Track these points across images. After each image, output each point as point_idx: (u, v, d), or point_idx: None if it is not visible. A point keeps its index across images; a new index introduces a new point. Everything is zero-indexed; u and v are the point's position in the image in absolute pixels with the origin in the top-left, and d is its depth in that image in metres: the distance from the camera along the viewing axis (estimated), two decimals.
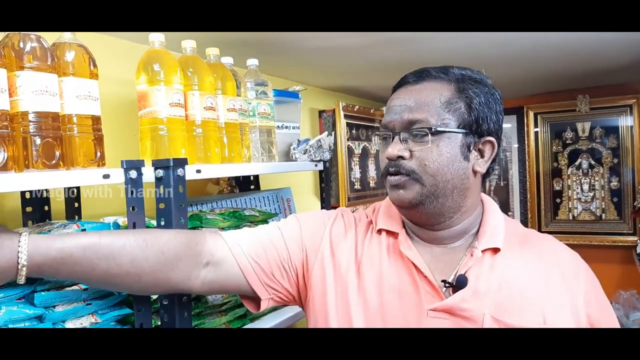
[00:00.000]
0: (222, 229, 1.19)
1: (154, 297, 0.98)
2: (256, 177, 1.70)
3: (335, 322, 0.90)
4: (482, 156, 0.90)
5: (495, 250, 0.89)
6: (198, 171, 1.01)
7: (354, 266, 0.92)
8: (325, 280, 0.92)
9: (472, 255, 0.88)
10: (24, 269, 0.74)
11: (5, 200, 1.05)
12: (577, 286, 0.87)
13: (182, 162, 0.95)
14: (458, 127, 0.86)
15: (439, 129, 0.85)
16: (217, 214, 1.21)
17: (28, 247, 0.74)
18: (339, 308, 0.90)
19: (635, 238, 2.61)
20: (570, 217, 2.82)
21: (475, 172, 0.90)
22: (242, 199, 1.55)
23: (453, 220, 0.90)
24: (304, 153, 1.42)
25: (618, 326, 0.91)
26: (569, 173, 2.81)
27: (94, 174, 0.85)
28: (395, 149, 0.86)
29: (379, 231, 0.95)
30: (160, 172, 0.93)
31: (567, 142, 2.81)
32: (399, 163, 0.87)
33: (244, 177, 1.67)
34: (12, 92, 0.79)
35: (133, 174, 0.89)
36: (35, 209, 1.08)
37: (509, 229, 0.93)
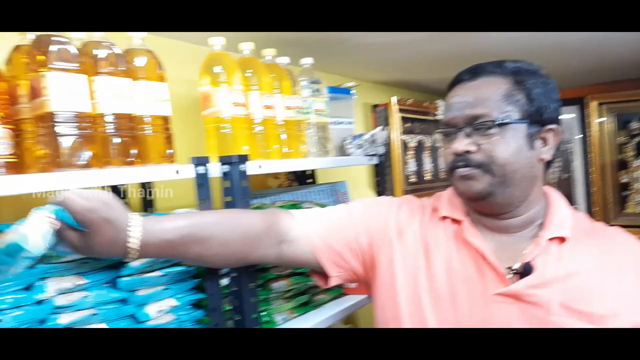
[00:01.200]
0: None
1: (224, 283, 1.06)
2: (313, 171, 1.76)
3: (404, 306, 0.94)
4: (546, 144, 0.93)
5: (562, 239, 0.90)
6: (259, 166, 1.07)
7: (422, 250, 0.96)
8: (394, 264, 0.97)
9: (538, 244, 0.90)
10: (135, 252, 0.82)
11: None
12: None
13: (245, 158, 1.01)
14: (520, 118, 0.89)
15: (502, 121, 0.88)
16: (278, 207, 1.27)
17: (139, 233, 0.81)
18: (409, 292, 0.94)
19: None
20: (639, 211, 2.69)
21: (540, 160, 0.92)
22: (300, 192, 1.61)
23: (519, 210, 0.93)
24: (359, 148, 1.46)
25: None
26: (636, 165, 2.69)
27: (166, 170, 0.93)
28: (462, 143, 0.89)
29: (443, 218, 0.99)
30: (226, 168, 1.00)
31: (635, 132, 2.68)
32: (466, 157, 0.90)
33: (301, 171, 1.74)
34: (93, 96, 0.87)
35: (201, 169, 0.96)
36: None
37: (576, 221, 0.94)
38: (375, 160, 1.53)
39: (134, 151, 0.91)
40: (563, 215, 0.93)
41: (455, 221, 0.97)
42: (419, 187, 2.44)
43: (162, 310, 0.95)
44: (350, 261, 1.00)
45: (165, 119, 0.98)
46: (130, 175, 0.90)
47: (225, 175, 1.00)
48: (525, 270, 0.87)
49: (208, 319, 1.00)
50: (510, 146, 0.88)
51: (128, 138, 0.91)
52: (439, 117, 1.05)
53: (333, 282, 1.01)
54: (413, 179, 2.41)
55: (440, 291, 0.91)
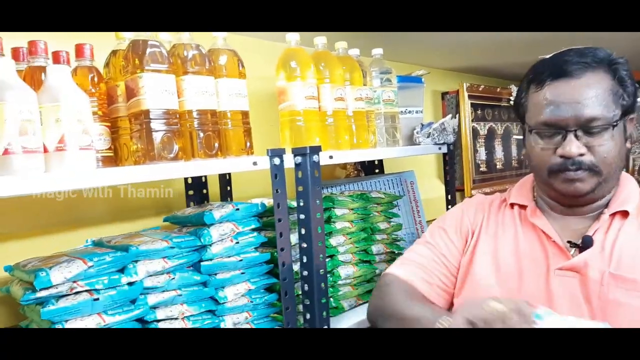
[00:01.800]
0: (352, 209, 1.28)
1: (296, 269, 1.11)
2: (380, 161, 1.78)
3: (479, 286, 0.98)
4: (628, 133, 0.93)
5: (625, 214, 0.92)
6: (330, 157, 1.11)
7: (492, 236, 1.02)
8: (472, 254, 1.02)
9: (599, 220, 0.93)
10: None
11: (173, 185, 1.24)
12: None
13: (316, 150, 1.05)
14: (623, 115, 0.90)
15: (615, 122, 0.88)
16: (347, 196, 1.31)
17: None
18: (483, 274, 0.99)
19: None
20: None
21: (627, 150, 0.94)
22: (368, 182, 1.64)
23: (603, 196, 0.94)
24: (428, 137, 1.46)
25: None
26: None
27: (245, 161, 0.99)
28: (574, 147, 0.87)
29: (512, 205, 1.03)
30: (299, 159, 1.05)
31: None
32: (578, 160, 0.88)
33: (369, 161, 1.76)
34: (180, 94, 0.95)
35: (276, 160, 1.01)
36: (196, 192, 1.26)
37: None
38: (444, 149, 1.52)
39: (216, 144, 0.98)
40: (629, 193, 0.95)
41: (522, 207, 1.02)
42: (490, 177, 2.40)
43: (239, 293, 1.02)
44: (450, 287, 1.04)
45: (245, 114, 1.04)
46: (213, 167, 0.97)
47: (298, 166, 1.05)
48: (584, 244, 0.91)
49: (279, 302, 1.06)
50: (617, 145, 0.89)
51: (211, 132, 0.98)
52: (515, 102, 1.02)
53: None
54: (483, 168, 2.37)
55: (508, 268, 0.96)
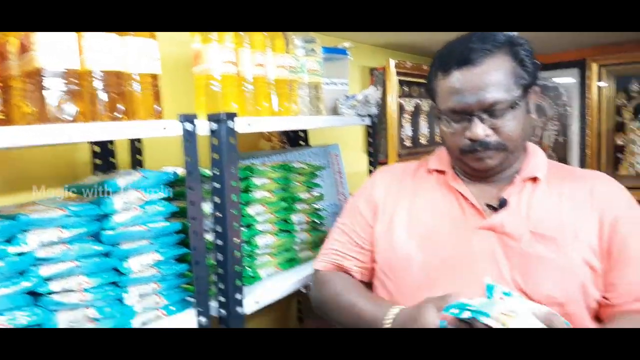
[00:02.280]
0: (272, 178, 1.26)
1: (209, 239, 1.08)
2: (306, 133, 1.76)
3: (398, 246, 1.04)
4: (531, 105, 1.00)
5: (535, 180, 1.00)
6: (249, 124, 1.08)
7: (408, 199, 1.08)
8: (389, 218, 1.08)
9: (513, 184, 1.00)
10: None
11: (78, 153, 1.16)
12: (609, 204, 0.96)
13: (233, 116, 1.02)
14: (524, 93, 0.97)
15: (516, 102, 0.94)
16: (268, 166, 1.29)
17: None
18: (401, 232, 1.05)
19: None
20: (633, 173, 2.70)
21: (530, 121, 1.02)
22: (293, 154, 1.62)
23: (510, 165, 1.02)
24: (351, 108, 1.46)
25: None
26: (632, 127, 2.68)
27: (154, 126, 0.94)
28: (480, 130, 0.94)
29: (430, 171, 1.10)
30: (214, 125, 1.01)
31: (633, 95, 2.66)
32: (485, 141, 0.95)
33: (294, 133, 1.74)
34: (80, 52, 0.87)
35: (188, 126, 0.97)
36: (104, 161, 1.19)
37: (553, 167, 1.05)
38: (367, 121, 1.53)
39: (122, 107, 0.92)
40: (537, 162, 1.03)
41: (441, 172, 1.08)
42: (414, 151, 2.45)
43: (145, 263, 0.98)
44: (367, 262, 1.13)
45: (154, 77, 0.98)
46: (118, 131, 0.91)
47: (213, 132, 1.01)
48: (500, 205, 0.98)
49: (191, 273, 1.03)
50: (520, 122, 0.96)
51: (116, 95, 0.91)
52: (427, 87, 1.06)
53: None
54: (408, 143, 2.42)
55: (427, 231, 1.02)
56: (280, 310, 1.81)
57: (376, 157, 1.61)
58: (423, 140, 2.53)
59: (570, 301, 0.91)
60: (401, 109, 2.36)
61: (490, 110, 0.94)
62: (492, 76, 0.93)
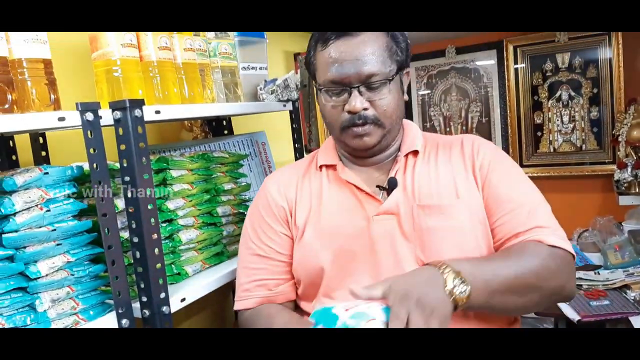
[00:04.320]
0: (191, 170, 1.21)
1: (124, 236, 1.02)
2: (229, 122, 1.71)
3: (308, 248, 1.02)
4: (404, 85, 1.04)
5: (415, 153, 1.03)
6: (157, 112, 1.01)
7: (312, 199, 1.05)
8: (299, 222, 1.05)
9: (397, 162, 1.03)
10: None
11: None
12: (476, 157, 1.01)
13: (139, 103, 0.95)
14: (398, 69, 0.99)
15: (392, 77, 0.96)
16: (186, 157, 1.23)
17: None
18: (310, 234, 1.02)
19: (614, 166, 2.64)
20: (551, 150, 2.84)
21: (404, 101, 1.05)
22: (216, 144, 1.57)
23: (385, 149, 1.04)
24: (271, 93, 1.42)
25: (514, 181, 1.00)
26: (549, 106, 2.81)
27: (49, 117, 0.86)
28: (359, 102, 0.95)
29: (320, 167, 1.09)
30: (118, 114, 0.94)
31: (547, 74, 2.79)
32: (363, 114, 0.96)
33: (217, 122, 1.68)
34: None
35: (89, 116, 0.89)
36: (3, 159, 1.09)
37: (429, 137, 1.08)
38: (289, 107, 1.50)
39: (9, 97, 0.84)
40: (414, 136, 1.06)
41: (330, 166, 1.07)
42: None
43: (55, 266, 0.90)
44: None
45: (47, 63, 0.90)
46: (7, 124, 0.83)
47: (118, 122, 0.94)
48: (390, 185, 0.99)
49: (107, 274, 0.96)
50: (395, 98, 0.98)
51: (2, 83, 0.83)
52: (306, 61, 1.07)
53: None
54: None
55: (330, 228, 1.00)
56: (218, 304, 1.76)
57: (301, 142, 1.59)
58: None
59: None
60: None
61: (367, 83, 0.95)
62: (369, 47, 0.95)
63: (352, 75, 0.94)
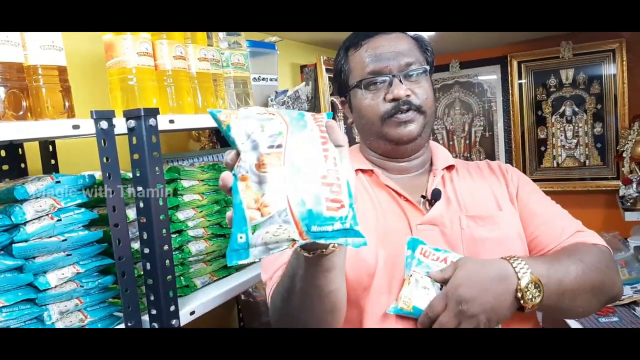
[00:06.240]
0: (202, 180, 1.19)
1: (135, 247, 1.00)
2: None
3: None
4: (434, 87, 1.08)
5: (450, 168, 1.05)
6: (171, 121, 1.00)
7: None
8: None
9: (434, 176, 1.03)
10: None
11: None
12: (506, 174, 1.06)
13: (153, 112, 0.94)
14: (428, 66, 1.03)
15: (427, 68, 1.00)
16: (197, 167, 1.21)
17: None
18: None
19: (618, 182, 2.64)
20: (555, 165, 2.84)
21: None
22: (224, 154, 1.55)
23: (421, 151, 1.05)
24: (282, 104, 1.42)
25: (542, 196, 1.05)
26: (553, 121, 2.81)
27: (63, 125, 0.85)
28: (402, 89, 0.96)
29: (356, 172, 1.03)
30: (132, 123, 0.93)
31: (551, 90, 2.80)
32: (408, 100, 0.97)
33: None
34: None
35: (104, 124, 0.88)
36: (12, 166, 1.07)
37: (456, 160, 1.10)
38: None
39: (24, 104, 0.82)
40: (444, 153, 1.09)
41: (365, 172, 1.04)
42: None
43: (64, 277, 0.88)
44: None
45: (61, 70, 0.89)
46: (22, 131, 0.81)
47: (132, 131, 0.93)
48: (434, 196, 0.99)
49: (117, 285, 0.94)
50: (429, 90, 1.01)
51: (17, 90, 0.82)
52: (335, 71, 1.09)
53: None
54: None
55: (377, 231, 0.94)
56: (221, 318, 1.73)
57: None
58: (357, 138, 2.52)
59: None
60: (333, 106, 2.33)
61: (406, 73, 0.97)
62: (402, 41, 1.00)
63: (392, 64, 0.97)
